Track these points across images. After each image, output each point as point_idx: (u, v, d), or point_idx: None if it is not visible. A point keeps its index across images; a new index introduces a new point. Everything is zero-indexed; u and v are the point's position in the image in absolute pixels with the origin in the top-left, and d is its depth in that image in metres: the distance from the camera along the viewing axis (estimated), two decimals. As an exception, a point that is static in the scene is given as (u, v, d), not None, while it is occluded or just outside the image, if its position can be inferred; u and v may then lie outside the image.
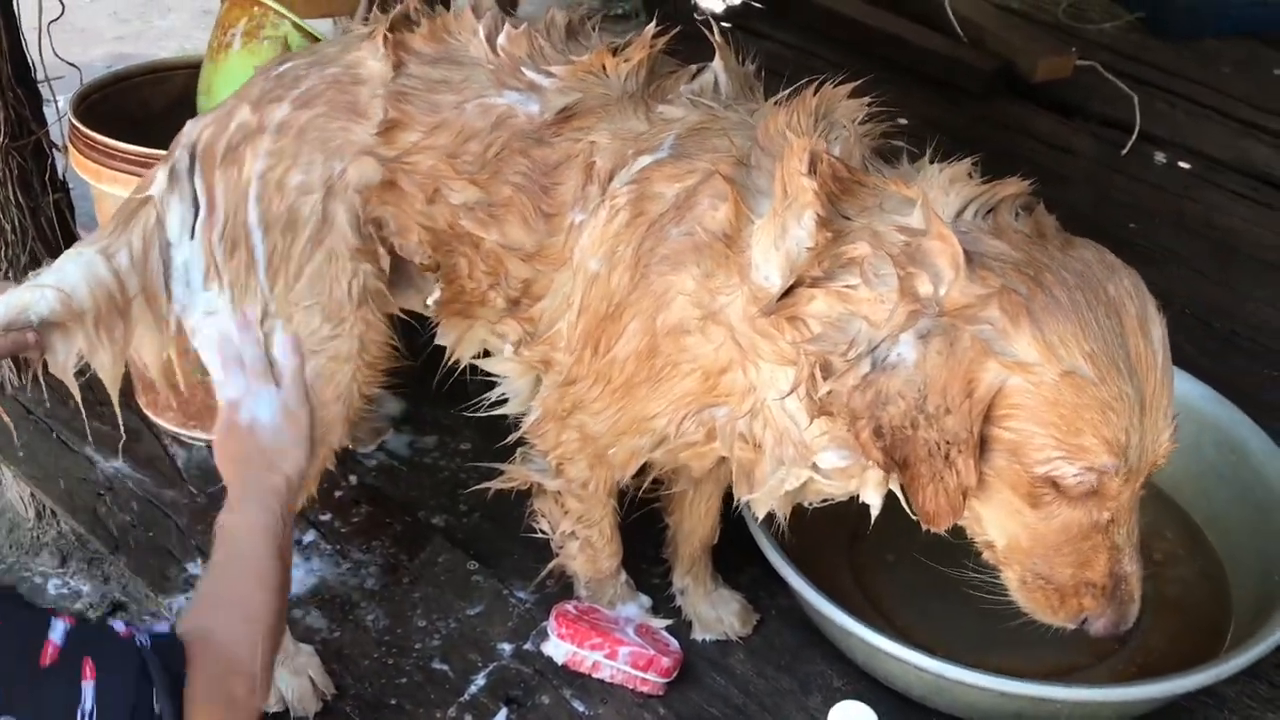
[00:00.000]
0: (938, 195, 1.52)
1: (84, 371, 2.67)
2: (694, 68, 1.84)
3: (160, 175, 1.87)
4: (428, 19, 1.86)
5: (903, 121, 1.73)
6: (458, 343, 1.98)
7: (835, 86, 1.69)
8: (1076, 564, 1.50)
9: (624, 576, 2.15)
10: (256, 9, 2.31)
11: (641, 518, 2.12)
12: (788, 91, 1.79)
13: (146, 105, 2.58)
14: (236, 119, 1.85)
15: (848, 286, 1.50)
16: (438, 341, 2.03)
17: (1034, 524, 1.48)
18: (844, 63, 4.08)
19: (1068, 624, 1.56)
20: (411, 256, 1.90)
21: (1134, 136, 3.84)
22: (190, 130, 1.91)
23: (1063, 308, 1.39)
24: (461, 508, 2.44)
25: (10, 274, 2.63)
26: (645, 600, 2.20)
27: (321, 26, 2.33)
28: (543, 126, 1.75)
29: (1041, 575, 1.52)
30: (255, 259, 1.83)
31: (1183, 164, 3.79)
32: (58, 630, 1.29)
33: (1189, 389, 2.46)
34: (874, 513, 1.65)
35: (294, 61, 1.92)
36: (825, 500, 1.74)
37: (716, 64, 1.82)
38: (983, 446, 1.45)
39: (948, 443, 1.43)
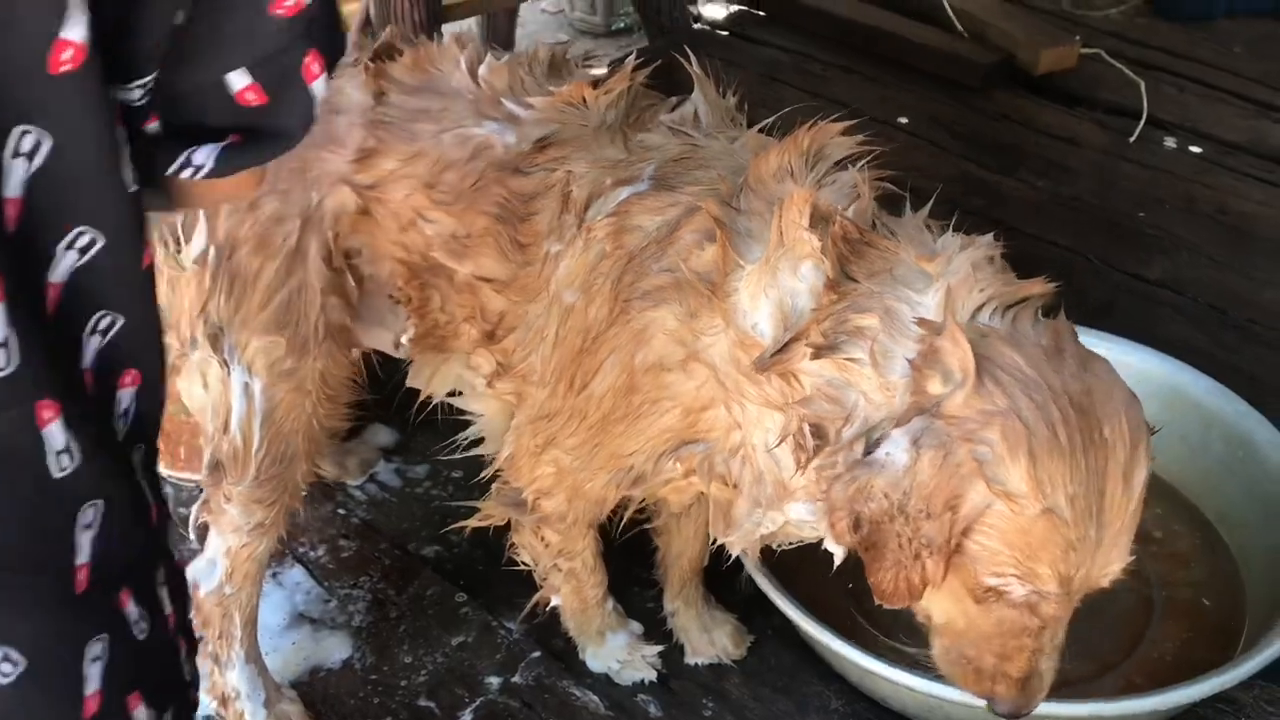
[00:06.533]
0: (960, 289, 1.47)
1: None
2: (674, 100, 1.81)
3: None
4: (410, 49, 1.84)
5: (894, 172, 1.67)
6: (431, 378, 1.95)
7: (829, 123, 1.64)
8: (1000, 655, 1.51)
9: (611, 604, 2.11)
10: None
11: (631, 540, 2.07)
12: (768, 121, 1.76)
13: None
14: None
15: (850, 359, 1.47)
16: (409, 383, 2.00)
17: (972, 614, 1.49)
18: (843, 64, 4.13)
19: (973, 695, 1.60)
20: (383, 288, 1.86)
21: (1141, 123, 3.74)
22: None
23: (1060, 448, 1.38)
24: (452, 538, 2.39)
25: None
26: (636, 627, 2.15)
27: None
28: (519, 157, 1.72)
29: (966, 656, 1.54)
30: (217, 279, 1.79)
31: (1194, 149, 3.69)
32: None
33: (1194, 383, 2.40)
34: (836, 561, 1.62)
35: None
36: (796, 543, 1.71)
37: (696, 95, 1.79)
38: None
39: (921, 544, 1.43)
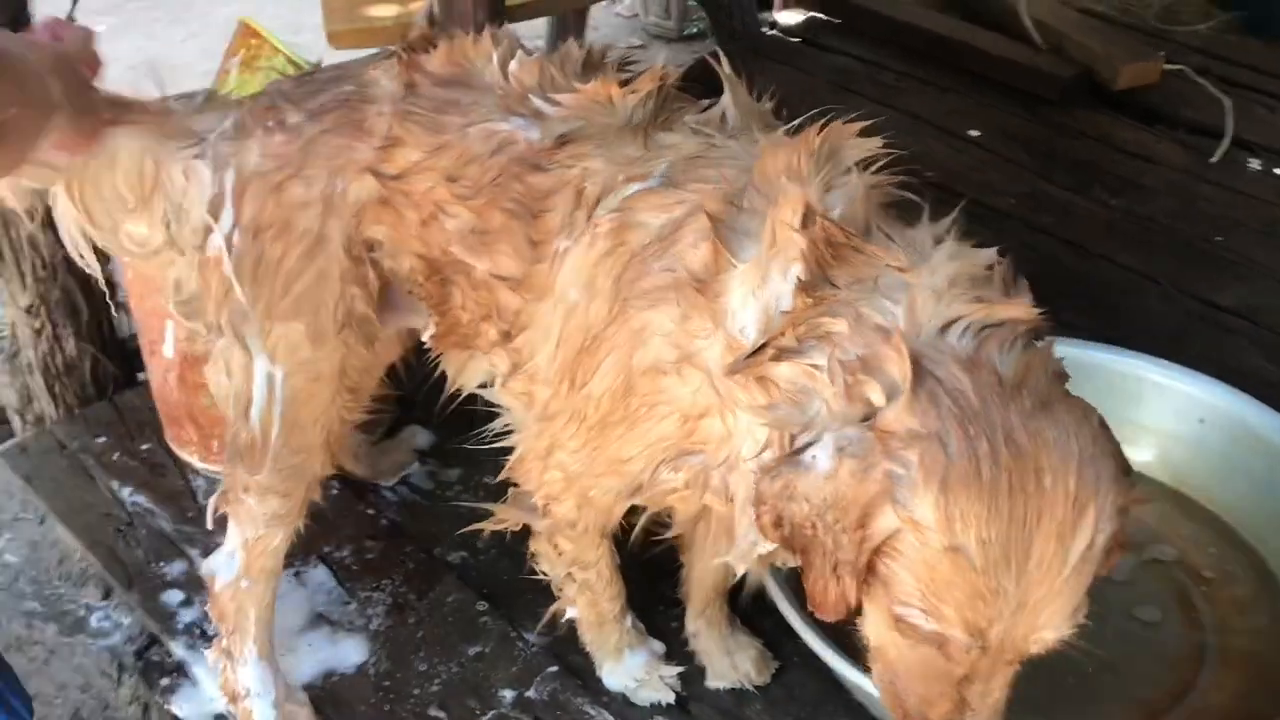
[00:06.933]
0: (927, 300, 1.38)
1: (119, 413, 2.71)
2: (705, 101, 1.76)
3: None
4: (445, 42, 1.82)
5: (923, 172, 1.58)
6: (459, 373, 1.91)
7: (844, 123, 1.57)
8: (922, 698, 1.41)
9: (630, 621, 2.05)
10: (254, 41, 2.30)
11: (657, 556, 2.01)
12: (797, 122, 1.69)
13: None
14: (258, 105, 1.82)
15: (814, 365, 1.40)
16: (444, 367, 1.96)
17: (899, 645, 1.40)
18: (917, 75, 4.03)
19: None
20: (403, 284, 1.84)
21: (1225, 143, 3.58)
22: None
23: (981, 486, 1.27)
24: (479, 544, 2.36)
25: (42, 310, 2.65)
26: (657, 645, 2.09)
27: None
28: (540, 152, 1.68)
29: (894, 686, 1.44)
30: (242, 264, 1.78)
31: (1279, 171, 3.53)
32: None
33: (1263, 418, 2.27)
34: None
35: (318, 74, 1.91)
36: None
37: (725, 97, 1.73)
38: (868, 564, 1.36)
39: (839, 558, 1.35)
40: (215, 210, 1.77)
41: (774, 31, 4.51)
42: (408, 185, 1.74)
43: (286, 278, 1.77)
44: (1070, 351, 2.27)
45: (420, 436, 2.61)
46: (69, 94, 1.39)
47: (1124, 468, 1.36)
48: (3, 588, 3.05)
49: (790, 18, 4.61)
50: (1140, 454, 2.32)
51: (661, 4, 5.50)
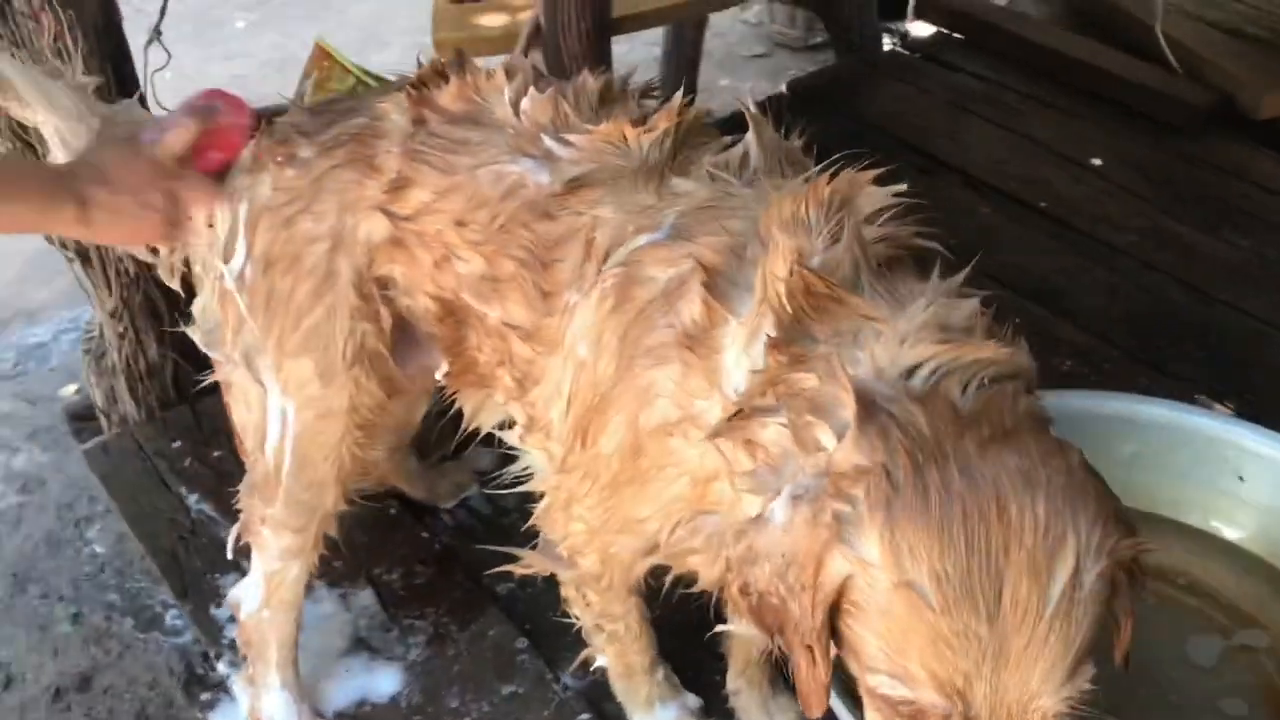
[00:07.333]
0: (890, 345, 1.30)
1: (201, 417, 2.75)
2: (727, 140, 1.67)
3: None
4: (457, 76, 1.76)
5: (934, 227, 1.47)
6: (475, 412, 1.87)
7: (858, 172, 1.48)
8: None
9: (662, 674, 1.98)
10: (325, 63, 2.30)
11: (704, 608, 1.93)
12: (815, 169, 1.59)
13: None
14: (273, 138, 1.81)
15: (782, 424, 1.31)
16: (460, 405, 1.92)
17: None
18: (1041, 97, 3.83)
19: None
20: (417, 322, 1.80)
21: (1379, 183, 3.31)
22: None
23: (929, 515, 1.16)
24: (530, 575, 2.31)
25: (126, 314, 2.71)
26: (692, 700, 2.01)
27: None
28: (550, 198, 1.61)
29: None
30: (254, 298, 1.78)
31: None
32: None
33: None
34: None
35: (335, 103, 1.88)
36: None
37: (749, 136, 1.63)
38: (836, 635, 1.24)
39: (802, 627, 1.24)
40: (230, 242, 1.76)
41: (894, 46, 4.36)
42: (420, 226, 1.69)
43: (296, 313, 1.75)
44: (1161, 412, 2.17)
45: (484, 459, 2.57)
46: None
47: (1113, 508, 1.23)
48: (89, 577, 3.15)
49: (922, 29, 4.46)
50: (1235, 530, 2.15)
51: (787, 13, 5.40)
